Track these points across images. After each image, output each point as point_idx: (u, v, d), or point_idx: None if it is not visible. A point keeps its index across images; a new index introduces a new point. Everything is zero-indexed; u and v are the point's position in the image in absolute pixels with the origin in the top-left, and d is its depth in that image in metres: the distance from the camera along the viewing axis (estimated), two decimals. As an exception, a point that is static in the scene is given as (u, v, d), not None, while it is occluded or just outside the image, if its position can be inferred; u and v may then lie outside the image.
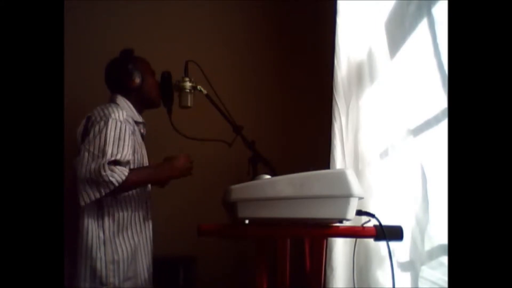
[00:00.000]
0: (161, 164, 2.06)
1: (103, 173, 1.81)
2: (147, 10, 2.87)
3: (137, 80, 2.08)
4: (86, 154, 1.86)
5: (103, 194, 1.83)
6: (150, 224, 2.08)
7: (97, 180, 1.81)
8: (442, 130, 1.53)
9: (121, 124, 1.92)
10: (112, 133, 1.89)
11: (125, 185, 1.86)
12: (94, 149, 1.86)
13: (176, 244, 2.49)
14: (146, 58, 2.20)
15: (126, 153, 1.90)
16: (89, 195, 1.83)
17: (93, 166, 1.83)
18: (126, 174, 1.85)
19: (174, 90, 2.13)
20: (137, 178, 1.91)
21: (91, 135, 1.90)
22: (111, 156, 1.85)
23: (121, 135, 1.91)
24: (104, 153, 1.85)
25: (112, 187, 1.82)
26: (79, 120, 2.05)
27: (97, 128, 1.90)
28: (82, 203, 1.84)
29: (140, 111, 2.12)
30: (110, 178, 1.82)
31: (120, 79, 2.09)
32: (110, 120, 1.90)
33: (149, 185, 2.12)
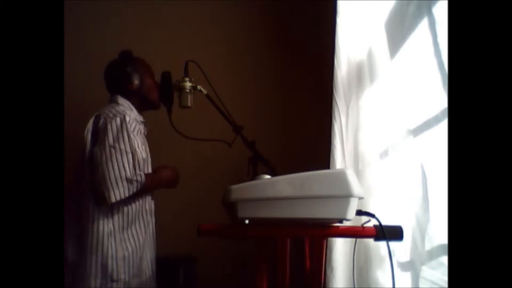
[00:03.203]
0: (158, 170, 2.08)
1: (138, 172, 1.87)
2: (147, 10, 2.87)
3: (136, 82, 2.10)
4: (113, 150, 1.87)
5: (131, 193, 1.87)
6: (153, 219, 2.10)
7: (131, 178, 1.85)
8: (442, 130, 1.53)
9: (133, 122, 1.96)
10: (131, 129, 1.93)
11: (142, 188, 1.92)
12: (121, 144, 1.88)
13: (176, 244, 2.48)
14: (146, 58, 2.20)
15: (144, 151, 1.96)
16: (120, 193, 1.85)
17: (126, 163, 1.86)
18: (145, 177, 1.91)
19: (174, 90, 2.13)
20: (149, 183, 1.95)
21: (112, 131, 1.90)
22: (142, 154, 1.91)
23: (134, 130, 1.95)
24: (134, 149, 1.89)
25: (139, 187, 1.88)
26: (79, 120, 2.05)
27: (114, 124, 1.91)
28: (113, 200, 1.84)
29: (140, 111, 2.13)
30: (142, 177, 1.88)
31: (119, 81, 2.10)
32: (126, 117, 1.93)
33: None
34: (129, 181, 1.85)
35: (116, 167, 1.85)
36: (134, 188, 1.87)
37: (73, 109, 1.91)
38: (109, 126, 1.91)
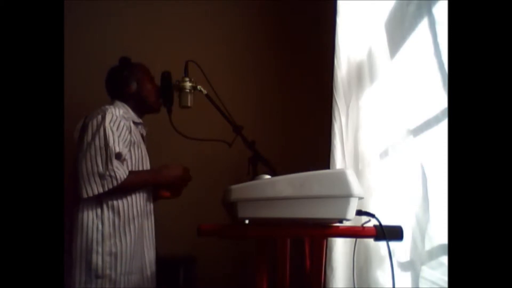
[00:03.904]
0: (159, 169, 2.08)
1: (110, 167, 1.86)
2: (147, 10, 2.87)
3: (133, 86, 2.11)
4: (88, 147, 1.89)
5: (106, 189, 1.86)
6: (152, 218, 2.09)
7: (103, 173, 1.85)
8: (442, 130, 1.53)
9: (116, 118, 1.96)
10: (111, 124, 1.93)
11: (124, 184, 1.89)
12: (96, 141, 1.89)
13: (176, 244, 2.48)
14: (146, 58, 2.21)
15: (123, 146, 1.94)
16: (92, 189, 1.86)
17: (99, 158, 1.86)
18: (127, 173, 1.90)
19: (174, 90, 2.13)
20: (135, 179, 1.95)
21: (92, 128, 1.92)
22: (115, 149, 1.89)
23: (119, 127, 1.95)
24: (107, 144, 1.88)
25: (115, 183, 1.87)
26: (79, 120, 2.06)
27: (95, 121, 1.93)
28: (85, 196, 1.86)
29: (139, 115, 2.13)
30: (116, 172, 1.87)
31: (117, 86, 2.13)
32: (107, 113, 1.94)
33: None
34: (102, 176, 1.85)
35: (89, 163, 1.87)
36: (109, 183, 1.86)
37: (73, 109, 1.92)
38: (90, 124, 1.94)
